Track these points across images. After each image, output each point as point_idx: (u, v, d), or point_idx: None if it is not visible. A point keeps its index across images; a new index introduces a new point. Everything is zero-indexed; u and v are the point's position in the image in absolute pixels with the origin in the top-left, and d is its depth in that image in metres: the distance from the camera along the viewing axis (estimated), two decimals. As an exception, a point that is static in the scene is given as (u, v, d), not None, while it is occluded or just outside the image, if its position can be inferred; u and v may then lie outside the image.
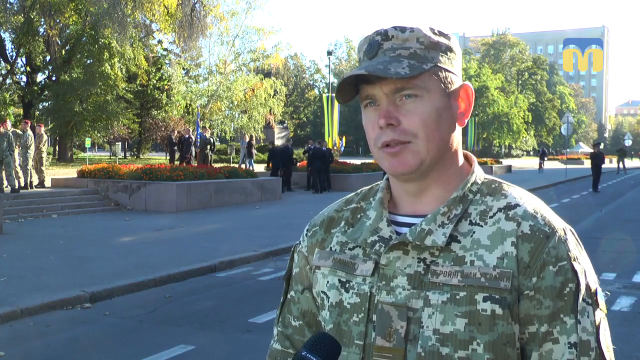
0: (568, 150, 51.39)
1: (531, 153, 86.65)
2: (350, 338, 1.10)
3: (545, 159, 42.77)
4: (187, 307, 6.74)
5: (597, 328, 1.03)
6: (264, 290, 7.56)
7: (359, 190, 1.26)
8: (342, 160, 26.44)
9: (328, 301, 1.15)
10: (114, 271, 7.98)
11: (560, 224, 1.07)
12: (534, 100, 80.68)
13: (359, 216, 1.19)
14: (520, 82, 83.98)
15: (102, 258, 8.92)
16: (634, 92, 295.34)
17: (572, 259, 1.04)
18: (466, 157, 1.17)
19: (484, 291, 1.02)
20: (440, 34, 1.10)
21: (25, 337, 5.74)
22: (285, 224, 12.62)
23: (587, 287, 1.04)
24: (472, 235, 1.06)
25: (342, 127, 42.42)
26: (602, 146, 26.23)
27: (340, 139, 33.07)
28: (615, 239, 11.34)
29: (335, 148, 28.94)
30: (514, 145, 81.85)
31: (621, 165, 38.89)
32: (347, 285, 1.13)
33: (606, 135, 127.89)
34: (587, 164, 58.11)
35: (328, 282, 1.16)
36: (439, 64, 1.08)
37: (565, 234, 1.06)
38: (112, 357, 5.29)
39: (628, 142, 73.47)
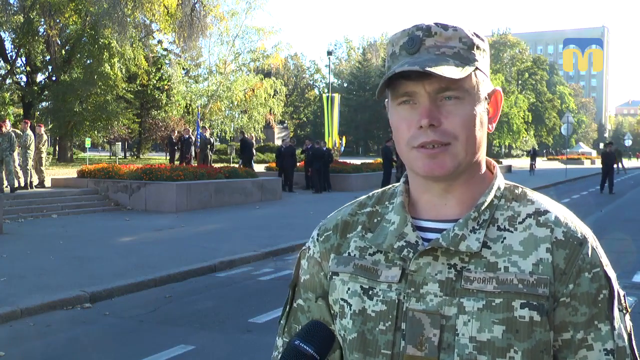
0: (568, 150, 51.40)
1: (531, 153, 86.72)
2: (377, 347, 1.05)
3: (537, 159, 40.43)
4: (187, 307, 6.74)
5: (630, 335, 1.04)
6: (264, 290, 7.56)
7: (370, 194, 1.23)
8: (342, 160, 26.42)
9: (350, 309, 1.10)
10: (114, 271, 7.98)
11: (589, 232, 1.07)
12: (534, 100, 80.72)
13: (376, 220, 1.16)
14: (520, 82, 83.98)
15: (102, 258, 8.92)
16: (634, 92, 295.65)
17: (605, 266, 1.04)
18: (486, 163, 1.15)
19: (521, 298, 1.00)
20: (476, 35, 1.09)
21: (25, 337, 5.74)
22: (285, 224, 12.62)
23: (618, 293, 1.04)
24: (502, 241, 1.05)
25: (342, 127, 42.43)
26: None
27: (340, 139, 33.04)
28: (615, 239, 11.32)
29: (335, 148, 28.93)
30: (514, 145, 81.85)
31: (620, 166, 38.88)
32: (370, 292, 1.08)
33: (606, 135, 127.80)
34: (587, 163, 58.29)
35: (349, 289, 1.11)
36: (478, 67, 1.06)
37: (595, 240, 1.06)
38: (112, 357, 5.29)
39: (628, 142, 73.57)
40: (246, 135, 24.73)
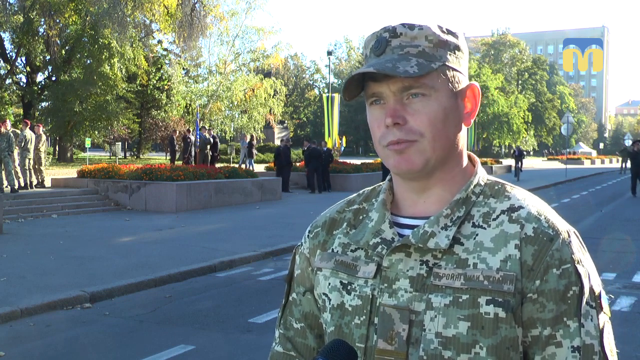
0: (568, 150, 51.41)
1: (531, 153, 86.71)
2: (352, 341, 1.08)
3: (523, 160, 33.89)
4: (187, 307, 6.75)
5: (601, 332, 1.02)
6: (264, 290, 7.57)
7: (361, 191, 1.25)
8: (342, 160, 26.44)
9: (329, 303, 1.13)
10: (114, 271, 7.98)
11: (564, 226, 1.06)
12: (534, 100, 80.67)
13: (361, 217, 1.18)
14: (520, 82, 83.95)
15: (102, 258, 8.92)
16: (634, 92, 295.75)
17: (576, 262, 1.02)
18: (469, 158, 1.16)
19: (487, 294, 1.01)
20: (449, 32, 1.09)
21: (25, 337, 5.74)
22: (285, 224, 12.62)
23: (591, 290, 1.03)
24: (475, 238, 1.05)
25: (342, 127, 42.41)
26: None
27: (340, 139, 33.01)
28: (615, 239, 11.33)
29: (335, 148, 28.93)
30: (513, 145, 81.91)
31: (624, 165, 38.81)
32: (348, 287, 1.11)
33: (606, 135, 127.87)
34: (587, 163, 58.18)
35: (330, 284, 1.14)
36: (447, 63, 1.07)
37: (569, 236, 1.05)
38: (112, 357, 5.29)
39: (628, 142, 73.46)
40: (206, 134, 24.65)
